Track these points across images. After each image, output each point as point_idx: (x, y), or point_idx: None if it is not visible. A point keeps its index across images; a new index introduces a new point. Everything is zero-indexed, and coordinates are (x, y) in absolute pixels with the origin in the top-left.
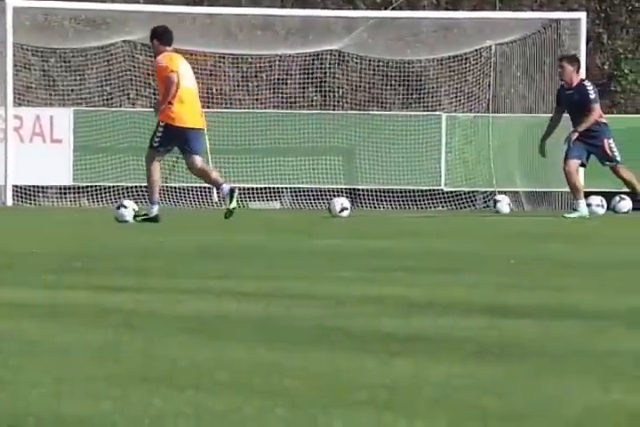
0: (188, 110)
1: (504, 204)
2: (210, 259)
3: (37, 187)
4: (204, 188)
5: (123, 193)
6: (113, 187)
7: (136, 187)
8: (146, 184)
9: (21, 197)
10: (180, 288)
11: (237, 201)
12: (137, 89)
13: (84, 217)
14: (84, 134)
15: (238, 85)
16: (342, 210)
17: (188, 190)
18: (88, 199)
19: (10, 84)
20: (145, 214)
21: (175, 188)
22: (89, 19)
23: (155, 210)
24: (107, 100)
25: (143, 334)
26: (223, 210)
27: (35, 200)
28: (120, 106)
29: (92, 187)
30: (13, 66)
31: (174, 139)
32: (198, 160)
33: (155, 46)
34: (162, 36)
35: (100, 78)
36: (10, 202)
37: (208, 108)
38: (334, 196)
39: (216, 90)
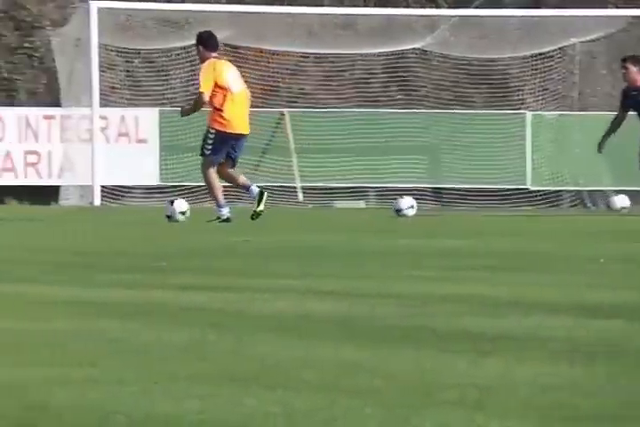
0: (238, 116)
1: (618, 200)
2: (294, 258)
3: (124, 187)
4: (289, 187)
5: (209, 192)
6: (199, 186)
7: (225, 186)
8: (226, 184)
9: (108, 197)
10: (264, 287)
11: (264, 204)
12: None
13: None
14: (169, 134)
15: (321, 85)
16: (409, 208)
17: (272, 190)
18: (175, 199)
19: (95, 84)
20: (217, 218)
21: (260, 187)
22: (172, 19)
23: (225, 212)
24: (191, 99)
25: (229, 333)
26: (307, 209)
27: (121, 200)
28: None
29: (178, 187)
30: (99, 67)
31: (226, 144)
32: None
33: (199, 52)
34: (207, 42)
35: (184, 78)
36: (97, 202)
37: (291, 107)
38: (419, 195)
39: (299, 89)
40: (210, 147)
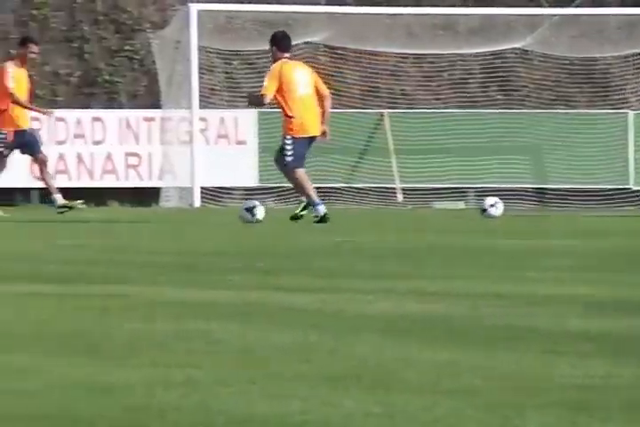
0: (309, 118)
1: None
2: (394, 258)
3: (223, 188)
4: (388, 188)
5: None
6: None
7: (324, 187)
8: (327, 185)
9: (208, 199)
10: (365, 288)
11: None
12: None
13: (269, 218)
14: (268, 135)
15: (420, 85)
16: (493, 205)
17: (371, 191)
18: (274, 200)
19: (195, 86)
20: (315, 216)
21: (358, 188)
22: (271, 21)
23: (321, 210)
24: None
25: (330, 333)
26: (406, 210)
27: (221, 201)
28: None
29: (277, 188)
30: (198, 69)
31: (305, 146)
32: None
33: (273, 52)
34: (280, 43)
35: None
36: (197, 203)
37: (390, 108)
38: (520, 195)
39: (398, 90)
40: (290, 154)
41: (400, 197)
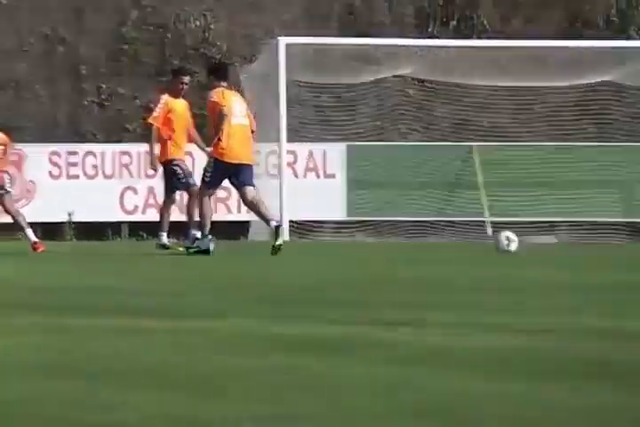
0: (238, 146)
1: None
2: (488, 293)
3: (312, 222)
4: (478, 221)
5: (398, 227)
6: (386, 221)
7: (414, 220)
8: (417, 219)
9: (297, 232)
10: (462, 322)
11: (282, 238)
12: (408, 123)
13: (358, 251)
14: (356, 169)
15: (511, 118)
16: (509, 243)
17: (461, 224)
18: (363, 234)
19: (283, 120)
20: (197, 246)
21: (448, 221)
22: (359, 54)
23: (208, 243)
24: (379, 134)
25: (427, 369)
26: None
27: (310, 235)
28: (391, 140)
29: (366, 221)
30: (287, 102)
31: (225, 173)
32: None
33: (210, 81)
34: (216, 72)
35: (371, 113)
36: (286, 237)
37: (480, 141)
38: (612, 229)
39: (489, 122)
40: (209, 175)
41: (490, 230)
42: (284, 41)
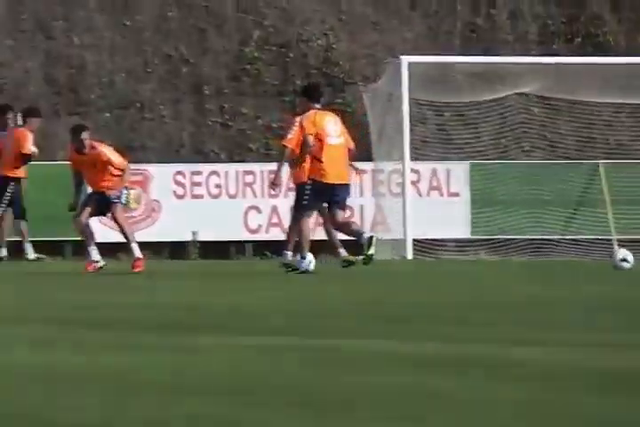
0: (333, 166)
1: None
2: (612, 311)
3: (436, 240)
4: (604, 240)
5: (521, 245)
6: (510, 240)
7: (540, 239)
8: (543, 237)
9: (421, 251)
10: (587, 341)
11: (374, 248)
12: (532, 141)
13: (482, 270)
14: (480, 187)
15: (636, 136)
16: (623, 260)
17: (587, 242)
18: (486, 252)
19: (406, 138)
20: (296, 267)
21: (575, 240)
22: (482, 72)
23: (304, 265)
24: (502, 152)
25: (554, 390)
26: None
27: (434, 253)
28: (514, 158)
29: (489, 240)
30: (409, 121)
31: (322, 193)
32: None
33: (302, 103)
34: (309, 93)
35: (494, 131)
36: (410, 255)
37: (606, 159)
38: None
39: (615, 140)
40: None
41: (617, 248)
42: (406, 60)
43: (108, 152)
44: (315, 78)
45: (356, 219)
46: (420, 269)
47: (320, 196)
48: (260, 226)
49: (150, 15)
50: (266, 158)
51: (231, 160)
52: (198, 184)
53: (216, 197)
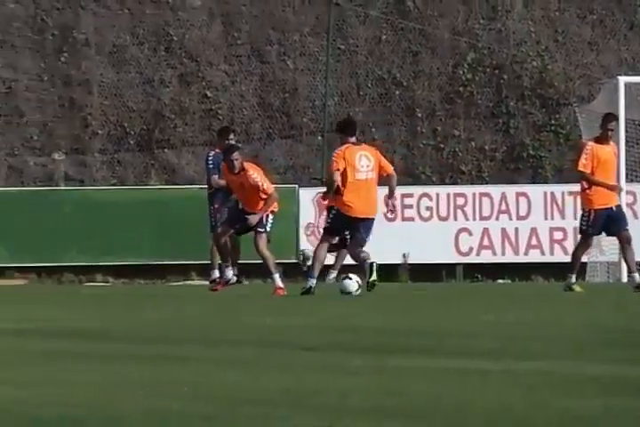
0: (358, 201)
1: None
2: None
3: None
4: None
5: None
6: None
7: None
8: None
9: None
10: None
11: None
12: None
13: None
14: None
15: None
16: None
17: None
18: None
19: (622, 159)
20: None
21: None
22: None
23: (310, 283)
24: None
25: None
26: None
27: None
28: None
29: None
30: (625, 142)
31: (344, 224)
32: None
33: (340, 138)
34: (344, 128)
35: None
36: (625, 278)
37: None
38: None
39: None
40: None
41: None
42: (622, 80)
43: (257, 175)
44: (528, 100)
45: (569, 242)
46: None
47: (342, 224)
48: (471, 248)
49: (364, 38)
50: (478, 181)
51: (442, 182)
52: (409, 207)
53: (427, 219)
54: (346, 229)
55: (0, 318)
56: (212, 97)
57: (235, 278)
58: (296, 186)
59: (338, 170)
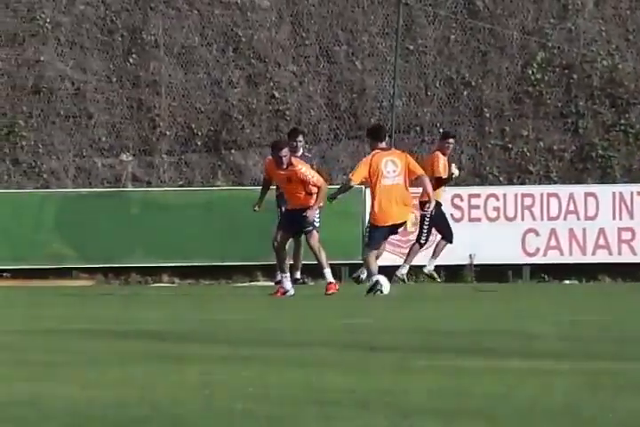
0: (387, 207)
1: None
2: None
3: None
4: None
5: None
6: None
7: None
8: None
9: None
10: None
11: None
12: None
13: None
14: None
15: None
16: None
17: None
18: None
19: None
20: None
21: None
22: None
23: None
24: None
25: None
26: None
27: None
28: None
29: None
30: None
31: (382, 232)
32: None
33: (370, 143)
34: (374, 134)
35: None
36: None
37: None
38: None
39: None
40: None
41: None
42: None
43: (306, 169)
44: (598, 99)
45: (637, 242)
46: None
47: (380, 234)
48: (538, 249)
49: (432, 38)
50: (546, 181)
51: (510, 182)
52: (476, 207)
53: (494, 220)
54: (386, 234)
55: (70, 320)
56: (279, 98)
57: (293, 291)
58: (362, 186)
59: (365, 177)
